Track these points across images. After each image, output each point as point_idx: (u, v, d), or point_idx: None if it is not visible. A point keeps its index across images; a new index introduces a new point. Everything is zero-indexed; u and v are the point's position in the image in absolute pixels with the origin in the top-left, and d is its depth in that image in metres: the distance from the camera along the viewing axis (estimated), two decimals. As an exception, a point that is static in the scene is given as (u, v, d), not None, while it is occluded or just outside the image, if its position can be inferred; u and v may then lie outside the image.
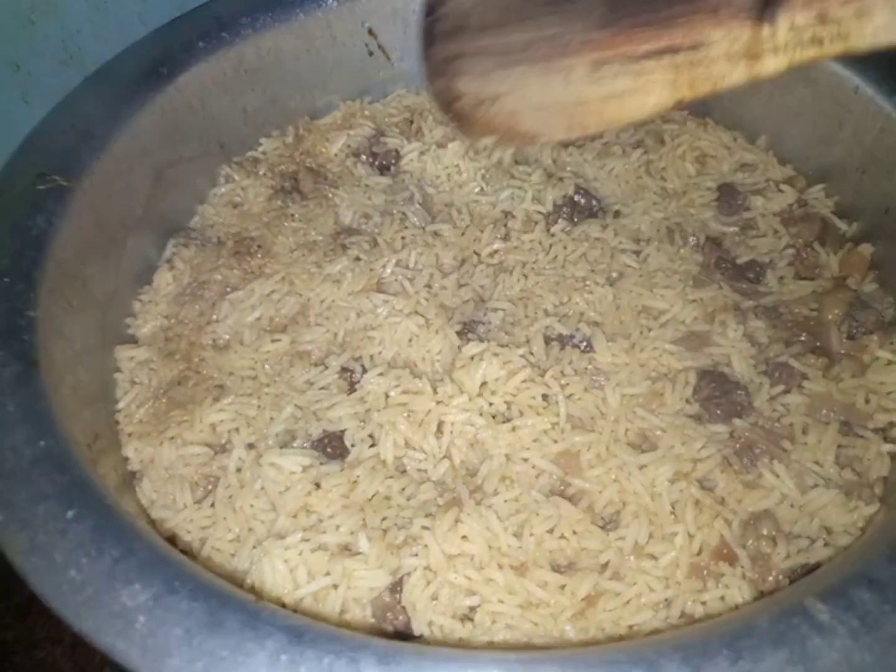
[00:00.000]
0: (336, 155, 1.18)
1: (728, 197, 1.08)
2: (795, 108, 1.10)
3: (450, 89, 0.76)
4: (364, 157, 1.18)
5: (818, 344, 0.91)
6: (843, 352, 0.91)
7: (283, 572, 0.72)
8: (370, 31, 1.20)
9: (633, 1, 0.67)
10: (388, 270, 0.99)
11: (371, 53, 1.22)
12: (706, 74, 0.66)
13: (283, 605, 0.72)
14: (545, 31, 0.70)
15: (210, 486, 0.83)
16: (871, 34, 0.60)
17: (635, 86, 0.68)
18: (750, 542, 0.76)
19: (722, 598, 0.73)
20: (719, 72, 0.65)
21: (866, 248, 1.01)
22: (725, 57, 0.65)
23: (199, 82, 1.08)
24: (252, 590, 0.73)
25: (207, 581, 0.60)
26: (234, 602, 0.57)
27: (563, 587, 0.73)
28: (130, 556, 0.59)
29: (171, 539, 0.80)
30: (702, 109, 1.19)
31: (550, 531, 0.76)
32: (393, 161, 1.17)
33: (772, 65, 0.64)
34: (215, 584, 0.60)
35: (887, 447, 0.84)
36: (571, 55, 0.69)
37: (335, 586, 0.73)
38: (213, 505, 0.81)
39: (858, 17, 0.60)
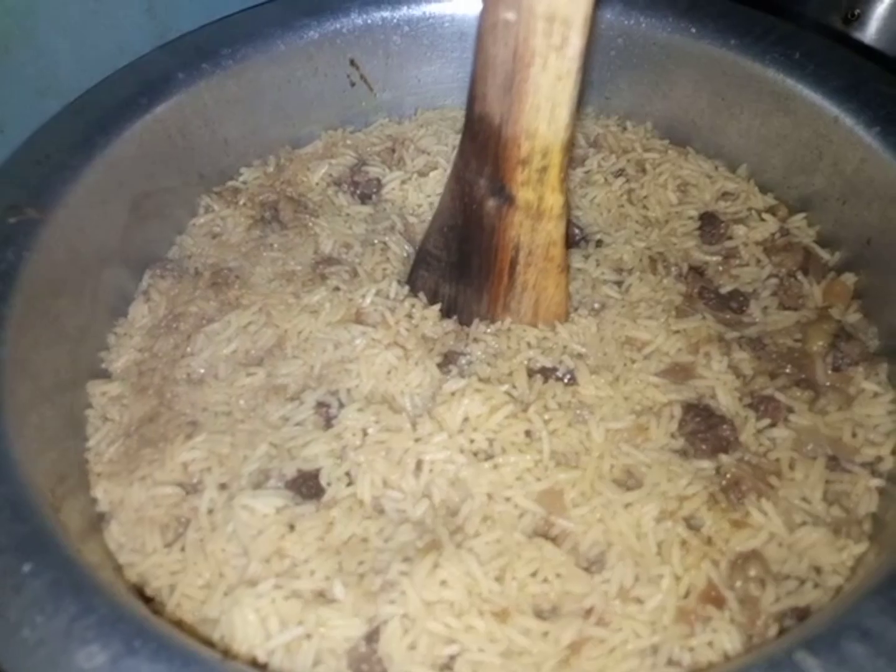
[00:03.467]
0: (317, 184, 1.17)
1: (710, 226, 1.07)
2: (775, 137, 1.09)
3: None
4: (345, 186, 1.17)
5: (803, 376, 0.90)
6: (828, 384, 0.90)
7: (253, 622, 0.69)
8: (352, 62, 1.20)
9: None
10: (368, 300, 0.97)
11: (353, 84, 1.22)
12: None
13: (254, 658, 0.69)
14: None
15: (181, 529, 0.81)
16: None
17: None
18: (738, 583, 0.74)
19: (710, 644, 0.71)
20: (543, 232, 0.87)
21: (849, 278, 1.00)
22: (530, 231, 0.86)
23: (179, 113, 1.07)
24: (222, 641, 0.70)
25: (170, 639, 0.57)
26: (198, 663, 0.55)
27: (546, 634, 0.70)
28: (89, 614, 0.56)
29: (140, 585, 0.77)
30: (682, 138, 1.19)
31: (533, 574, 0.74)
32: (374, 190, 1.16)
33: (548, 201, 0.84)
34: (179, 642, 0.57)
35: (875, 482, 0.83)
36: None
37: (308, 636, 0.70)
38: (183, 549, 0.78)
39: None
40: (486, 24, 0.77)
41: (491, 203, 0.87)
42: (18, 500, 0.64)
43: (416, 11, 1.20)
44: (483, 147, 0.84)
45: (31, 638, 0.55)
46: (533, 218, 0.86)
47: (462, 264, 0.93)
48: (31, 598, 0.57)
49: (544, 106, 0.77)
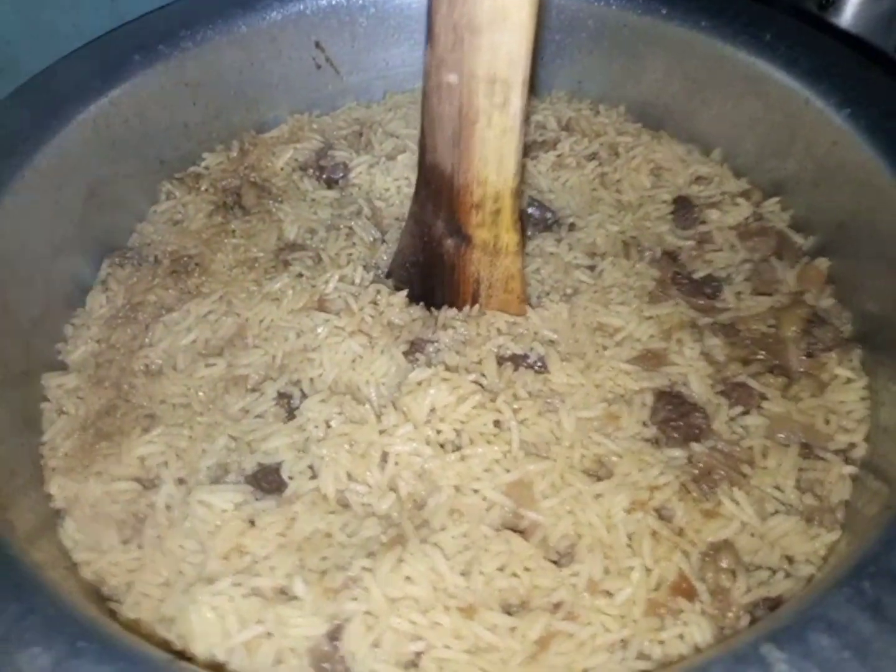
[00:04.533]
0: (282, 169, 1.14)
1: (684, 210, 1.05)
2: (748, 121, 1.08)
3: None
4: (311, 171, 1.14)
5: (776, 362, 0.88)
6: (801, 370, 0.88)
7: (212, 621, 0.67)
8: (317, 44, 1.16)
9: None
10: (331, 286, 0.94)
11: (319, 67, 1.18)
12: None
13: (213, 657, 0.66)
14: None
15: (138, 525, 0.78)
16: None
17: None
18: (709, 575, 0.73)
19: (681, 637, 0.70)
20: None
21: (822, 263, 0.99)
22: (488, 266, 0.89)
23: (136, 96, 1.03)
24: (180, 640, 0.67)
25: (117, 640, 0.54)
26: (144, 664, 0.52)
27: (513, 630, 0.68)
28: (31, 614, 0.54)
29: (97, 584, 0.74)
30: (655, 122, 1.17)
31: (501, 569, 0.72)
32: (341, 175, 1.13)
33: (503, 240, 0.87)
34: (126, 643, 0.54)
35: (848, 469, 0.81)
36: None
37: (269, 635, 0.67)
38: (140, 546, 0.76)
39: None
40: (430, 85, 0.79)
41: (449, 242, 0.89)
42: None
43: (382, -10, 1.16)
44: (437, 193, 0.87)
45: (-32, 642, 0.52)
46: (490, 254, 0.88)
47: (426, 296, 0.94)
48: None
49: (492, 157, 0.80)
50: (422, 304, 0.95)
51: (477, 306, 0.93)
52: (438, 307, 0.94)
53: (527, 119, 0.80)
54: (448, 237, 0.89)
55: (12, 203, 0.87)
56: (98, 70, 1.01)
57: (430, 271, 0.94)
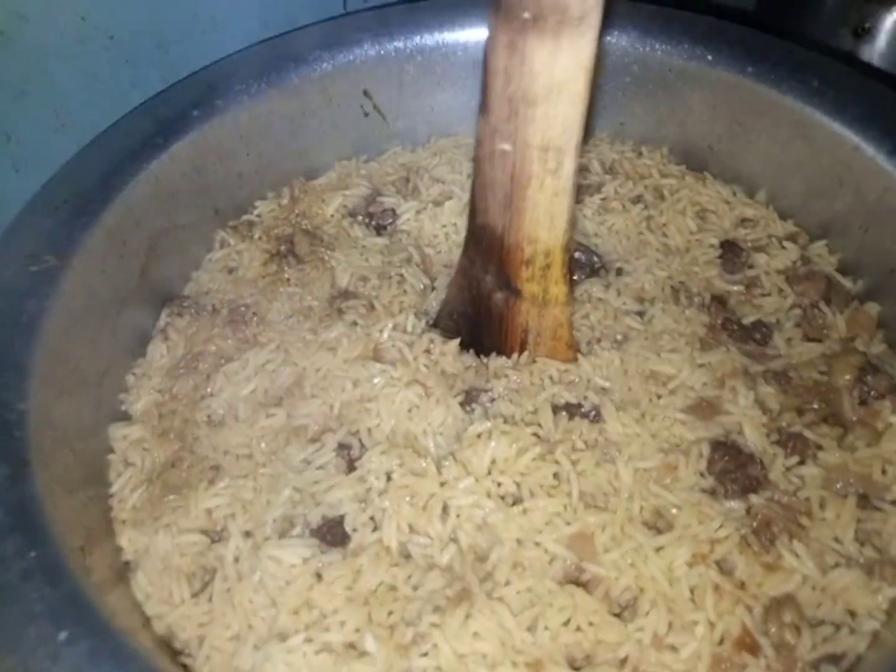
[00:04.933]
0: (332, 216, 1.16)
1: (731, 254, 1.06)
2: (794, 163, 1.08)
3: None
4: (360, 218, 1.16)
5: (830, 411, 0.89)
6: (855, 419, 0.89)
7: (286, 677, 0.69)
8: (366, 93, 1.19)
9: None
10: (385, 335, 0.97)
11: (367, 114, 1.21)
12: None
13: (288, 713, 0.68)
14: None
15: (207, 578, 0.80)
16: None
17: None
18: (772, 629, 0.73)
19: (747, 693, 0.70)
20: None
21: (873, 308, 0.99)
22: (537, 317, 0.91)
23: (194, 150, 1.06)
24: (254, 696, 0.69)
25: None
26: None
27: (581, 686, 0.69)
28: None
29: (168, 638, 0.76)
30: (699, 164, 1.18)
31: (566, 623, 0.73)
32: (390, 221, 1.16)
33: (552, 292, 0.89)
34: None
35: (907, 520, 0.81)
36: None
37: (342, 692, 0.69)
38: (210, 599, 0.78)
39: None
40: (482, 152, 0.82)
41: (499, 295, 0.91)
42: (52, 564, 0.63)
43: (428, 41, 1.19)
44: (488, 250, 0.88)
45: (70, 712, 0.54)
46: (539, 306, 0.90)
47: (474, 345, 0.96)
48: (70, 666, 0.57)
49: (543, 218, 0.82)
50: (472, 351, 0.97)
51: (526, 353, 0.94)
52: (487, 353, 0.96)
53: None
54: (497, 291, 0.91)
55: (81, 262, 0.90)
56: (158, 126, 1.05)
57: (478, 321, 0.96)
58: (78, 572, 0.65)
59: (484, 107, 0.77)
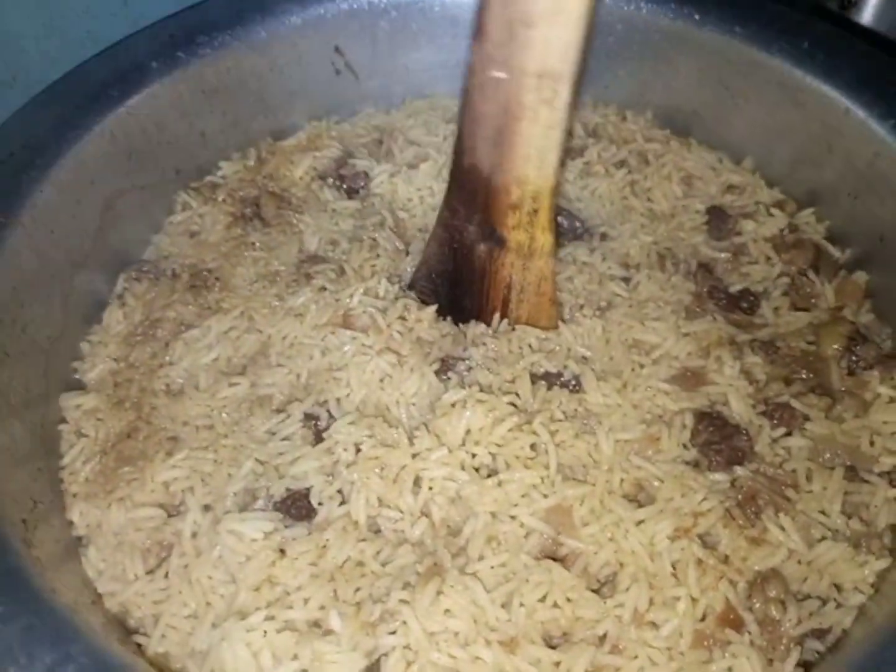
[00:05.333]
0: (301, 178, 1.11)
1: (718, 220, 1.03)
2: (782, 129, 1.05)
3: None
4: (331, 181, 1.11)
5: (818, 381, 0.86)
6: (843, 389, 0.86)
7: (245, 657, 0.65)
8: (337, 49, 1.13)
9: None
10: (356, 300, 0.92)
11: (338, 72, 1.15)
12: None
13: (246, 695, 0.64)
14: None
15: (164, 554, 0.75)
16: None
17: None
18: (757, 605, 0.70)
19: (729, 670, 0.67)
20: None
21: (861, 277, 0.96)
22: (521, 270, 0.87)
23: (154, 105, 1.00)
24: (211, 677, 0.65)
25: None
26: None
27: (558, 664, 0.66)
28: (67, 664, 0.51)
29: (122, 616, 0.72)
30: (684, 129, 1.14)
31: (542, 600, 0.69)
32: (362, 184, 1.10)
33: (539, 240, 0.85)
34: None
35: (894, 493, 0.79)
36: None
37: (304, 671, 0.65)
38: (166, 576, 0.73)
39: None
40: (474, 83, 0.77)
41: (482, 247, 0.87)
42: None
43: (404, -5, 1.13)
44: (472, 196, 0.85)
45: (0, 696, 0.50)
46: (524, 257, 0.86)
47: (453, 307, 0.92)
48: (4, 645, 0.52)
49: (534, 155, 0.78)
50: (450, 319, 0.92)
51: (506, 321, 0.90)
52: (466, 318, 0.91)
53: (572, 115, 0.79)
54: (480, 242, 0.87)
55: (31, 219, 0.85)
56: (115, 78, 0.98)
57: (459, 279, 0.92)
58: (17, 546, 0.60)
59: (479, 31, 0.73)
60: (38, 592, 0.56)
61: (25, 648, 0.52)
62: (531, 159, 0.78)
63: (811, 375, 0.86)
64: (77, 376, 0.90)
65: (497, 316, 0.91)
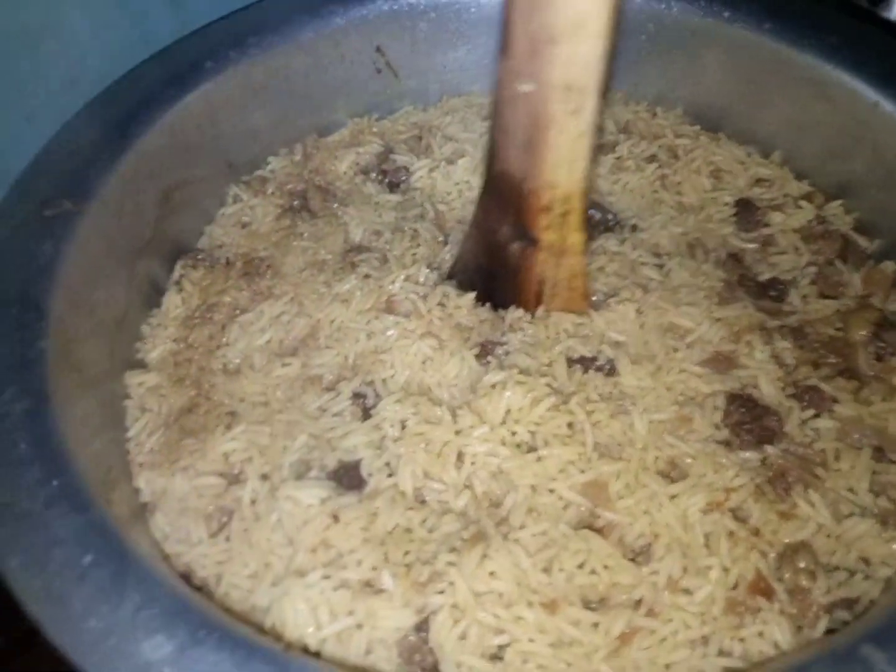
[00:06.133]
0: (345, 172, 1.16)
1: (746, 213, 1.06)
2: (810, 123, 1.08)
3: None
4: (373, 175, 1.16)
5: (846, 366, 0.89)
6: (871, 374, 0.89)
7: (304, 612, 0.69)
8: (378, 49, 1.18)
9: None
10: (398, 286, 0.96)
11: (379, 71, 1.20)
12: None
13: (306, 646, 0.69)
14: None
15: (225, 519, 0.80)
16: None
17: None
18: (787, 575, 0.74)
19: (760, 635, 0.71)
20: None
21: (889, 266, 0.99)
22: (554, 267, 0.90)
23: (208, 102, 1.06)
24: (273, 629, 0.70)
25: (233, 630, 0.57)
26: (262, 653, 0.55)
27: (596, 625, 0.70)
28: (152, 604, 0.57)
29: (187, 574, 0.77)
30: (713, 124, 1.18)
31: (581, 566, 0.73)
32: (403, 178, 1.15)
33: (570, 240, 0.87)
34: (241, 632, 0.57)
35: (921, 472, 0.82)
36: None
37: (359, 626, 0.70)
38: (228, 539, 0.78)
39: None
40: (503, 95, 0.80)
41: (515, 246, 0.90)
42: (75, 492, 0.64)
43: (442, -3, 1.18)
44: (505, 199, 0.87)
45: (97, 628, 0.55)
46: (556, 255, 0.89)
47: (489, 299, 0.96)
48: (95, 588, 0.57)
49: (564, 162, 0.81)
50: (488, 305, 0.96)
51: (542, 307, 0.94)
52: (504, 308, 0.96)
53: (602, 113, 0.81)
54: (513, 241, 0.91)
55: (99, 207, 0.90)
56: (173, 77, 1.04)
57: (493, 274, 0.96)
58: (100, 502, 0.65)
59: (504, 46, 0.77)
60: (122, 543, 0.62)
61: (116, 589, 0.57)
62: (561, 166, 0.81)
63: (839, 360, 0.89)
64: (140, 356, 0.96)
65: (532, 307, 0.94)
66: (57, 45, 1.12)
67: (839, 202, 1.06)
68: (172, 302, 1.00)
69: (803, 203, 1.06)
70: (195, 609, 0.58)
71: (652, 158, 1.13)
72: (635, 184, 1.10)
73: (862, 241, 1.02)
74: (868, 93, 0.99)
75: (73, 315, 0.83)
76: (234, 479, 0.83)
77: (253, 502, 0.80)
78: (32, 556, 0.59)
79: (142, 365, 0.95)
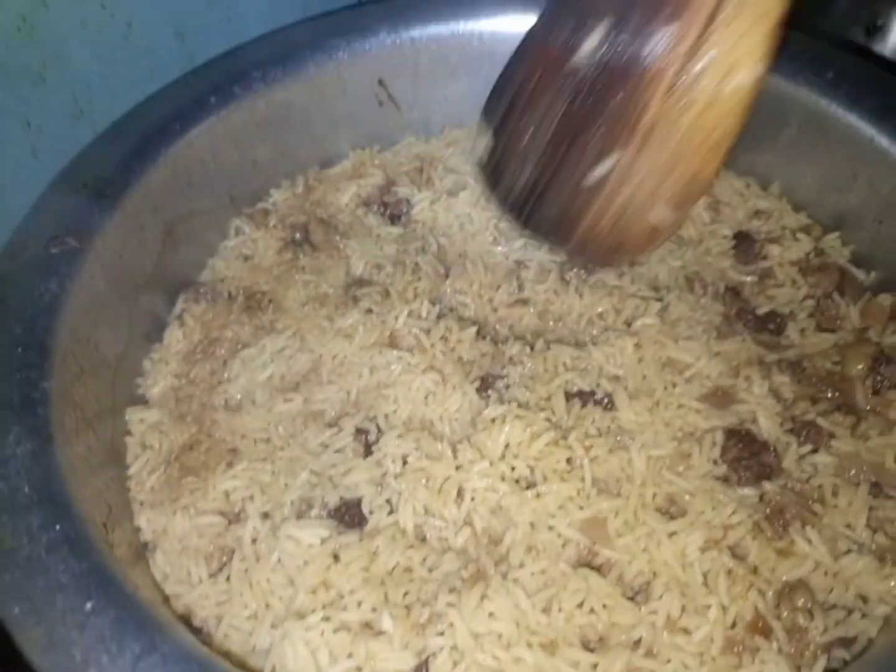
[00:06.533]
0: (346, 205, 1.17)
1: (744, 245, 1.07)
2: (808, 156, 1.09)
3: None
4: (375, 207, 1.17)
5: (844, 401, 0.89)
6: (868, 408, 0.89)
7: (304, 655, 0.70)
8: (380, 82, 1.20)
9: None
10: (401, 322, 0.97)
11: (381, 104, 1.22)
12: None
13: (306, 690, 0.69)
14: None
15: (225, 559, 0.81)
16: None
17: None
18: (785, 613, 0.74)
19: (759, 675, 0.71)
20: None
21: (886, 299, 1.00)
22: None
23: (211, 136, 1.07)
24: (272, 672, 0.70)
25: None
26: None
27: (595, 666, 0.70)
28: (153, 652, 0.57)
29: (187, 616, 0.77)
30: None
31: (580, 606, 0.73)
32: (404, 210, 1.16)
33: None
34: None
35: (919, 508, 0.82)
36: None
37: (359, 669, 0.70)
38: (228, 579, 0.79)
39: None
40: None
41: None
42: (77, 537, 0.64)
43: (444, 30, 1.20)
44: None
45: (97, 679, 0.55)
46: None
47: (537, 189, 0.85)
48: (96, 636, 0.58)
49: None
50: (489, 339, 0.97)
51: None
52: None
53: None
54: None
55: (103, 244, 0.91)
56: (176, 113, 1.06)
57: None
58: (102, 546, 0.66)
59: None
60: (122, 588, 0.62)
61: (115, 638, 0.58)
62: None
63: (837, 394, 0.89)
64: (141, 391, 0.97)
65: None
66: (63, 79, 1.14)
67: (836, 234, 1.07)
68: (174, 336, 1.01)
69: (801, 235, 1.07)
70: (195, 656, 0.58)
71: (650, 190, 1.14)
72: (633, 216, 1.11)
73: (859, 274, 1.03)
74: (864, 128, 1.00)
75: (76, 353, 0.84)
76: (235, 518, 0.83)
77: (254, 541, 0.80)
78: (34, 603, 0.60)
79: (143, 400, 0.95)
